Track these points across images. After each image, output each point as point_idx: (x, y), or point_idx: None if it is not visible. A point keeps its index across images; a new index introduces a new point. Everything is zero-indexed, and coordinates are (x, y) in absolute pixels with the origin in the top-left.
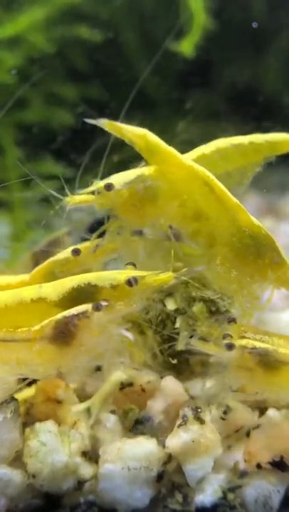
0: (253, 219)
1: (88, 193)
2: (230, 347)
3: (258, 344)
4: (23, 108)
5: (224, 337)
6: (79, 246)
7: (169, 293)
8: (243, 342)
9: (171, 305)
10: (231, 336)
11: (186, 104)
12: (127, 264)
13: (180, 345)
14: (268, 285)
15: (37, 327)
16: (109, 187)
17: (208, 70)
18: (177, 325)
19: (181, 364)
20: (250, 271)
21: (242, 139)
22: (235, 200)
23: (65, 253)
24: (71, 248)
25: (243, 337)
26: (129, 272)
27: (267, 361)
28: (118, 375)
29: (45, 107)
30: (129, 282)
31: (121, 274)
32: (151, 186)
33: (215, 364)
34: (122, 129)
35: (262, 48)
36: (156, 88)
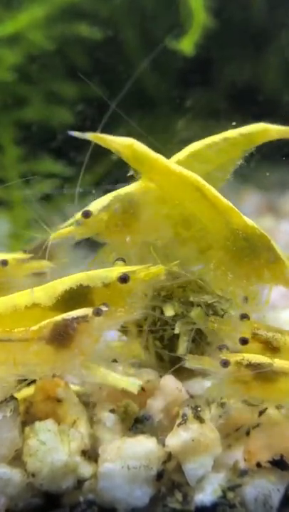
0: (247, 220)
1: (69, 225)
2: (225, 364)
3: (253, 359)
4: (22, 106)
5: (220, 348)
6: (7, 257)
7: (167, 298)
8: (238, 358)
9: (169, 311)
10: (227, 348)
11: (186, 102)
12: (117, 259)
13: (180, 350)
14: (266, 284)
15: (35, 327)
16: (87, 214)
17: (208, 68)
18: (176, 331)
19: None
20: (246, 272)
21: (215, 138)
22: (227, 202)
23: None
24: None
25: (256, 334)
26: (120, 269)
27: (263, 374)
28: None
29: (44, 105)
30: (122, 279)
31: (112, 272)
32: (132, 202)
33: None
34: (107, 141)
35: (262, 46)
36: (156, 86)
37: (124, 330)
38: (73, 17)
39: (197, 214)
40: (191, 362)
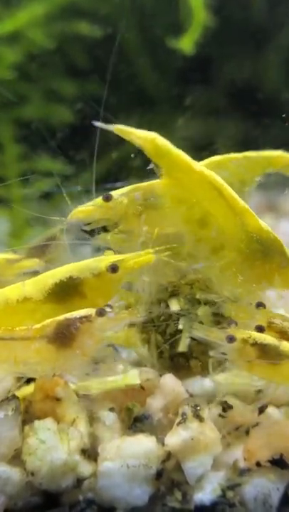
0: (262, 223)
1: (88, 206)
2: (231, 339)
3: (259, 338)
4: (22, 104)
5: (229, 324)
6: None
7: (173, 294)
8: (245, 335)
9: (174, 306)
10: (236, 324)
11: (186, 100)
12: (106, 249)
13: (182, 347)
14: (275, 289)
15: (38, 326)
16: (107, 197)
17: (208, 66)
18: (180, 326)
19: (181, 362)
20: (257, 275)
21: (236, 154)
22: (243, 204)
23: None
24: None
25: (271, 323)
26: (108, 258)
27: (268, 355)
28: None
29: (44, 103)
30: (111, 269)
31: (101, 262)
32: (153, 193)
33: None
34: (131, 134)
35: (261, 44)
36: (156, 85)
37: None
38: (73, 15)
39: (213, 213)
40: (197, 331)
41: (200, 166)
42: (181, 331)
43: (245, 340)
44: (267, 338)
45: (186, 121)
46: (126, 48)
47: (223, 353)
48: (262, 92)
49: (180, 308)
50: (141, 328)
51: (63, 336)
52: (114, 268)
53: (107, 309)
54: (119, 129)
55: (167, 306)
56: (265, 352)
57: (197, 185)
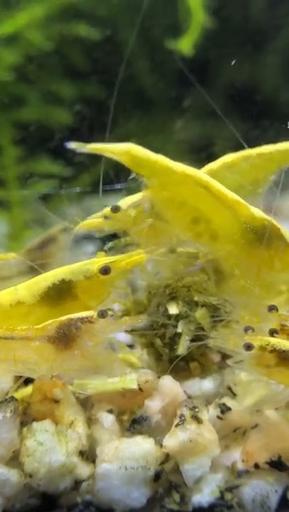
0: (255, 212)
1: (97, 218)
2: (249, 347)
3: (278, 345)
4: (21, 106)
5: (246, 330)
6: None
7: (172, 297)
8: (263, 342)
9: (173, 309)
10: (253, 330)
11: (184, 102)
12: (99, 251)
13: (181, 350)
14: (277, 274)
15: (39, 326)
16: (116, 209)
17: (207, 68)
18: (179, 329)
19: (180, 365)
20: (256, 264)
21: (250, 151)
22: (233, 196)
23: None
24: None
25: (284, 325)
26: (100, 260)
27: (287, 361)
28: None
29: (43, 105)
30: (104, 270)
31: (93, 264)
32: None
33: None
34: (105, 150)
35: (260, 46)
36: (155, 86)
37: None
38: (72, 17)
39: (204, 210)
40: (215, 341)
41: (181, 166)
42: (180, 334)
43: (263, 348)
44: (285, 344)
45: (184, 122)
46: (125, 49)
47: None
48: (260, 93)
49: (178, 311)
50: (140, 332)
51: (64, 336)
52: (106, 270)
53: (109, 311)
54: (92, 148)
55: (166, 309)
56: (284, 358)
57: (181, 185)
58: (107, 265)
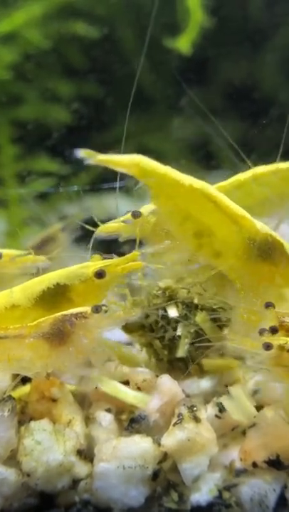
0: (259, 226)
1: (117, 222)
2: (268, 347)
3: None
4: (19, 104)
5: (261, 332)
6: (2, 251)
7: (171, 299)
8: (282, 342)
9: (173, 312)
10: (269, 331)
11: (182, 101)
12: (93, 254)
13: (181, 352)
14: (276, 288)
15: (33, 323)
16: (136, 214)
17: (205, 67)
18: (178, 332)
19: (180, 366)
20: (257, 278)
21: (281, 165)
22: (240, 211)
23: None
24: None
25: (282, 322)
26: (96, 264)
27: None
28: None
29: (41, 103)
30: (98, 274)
31: (88, 268)
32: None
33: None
34: (114, 163)
35: (259, 45)
36: (153, 85)
37: (125, 327)
38: (69, 15)
39: (209, 224)
40: (232, 342)
41: (189, 179)
42: (179, 337)
43: (281, 347)
44: None
45: (182, 121)
46: (123, 48)
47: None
48: (259, 92)
49: (178, 313)
50: (140, 333)
51: (59, 332)
52: (101, 274)
53: (103, 307)
54: (101, 160)
55: (165, 311)
56: None
57: (188, 199)
58: (102, 269)
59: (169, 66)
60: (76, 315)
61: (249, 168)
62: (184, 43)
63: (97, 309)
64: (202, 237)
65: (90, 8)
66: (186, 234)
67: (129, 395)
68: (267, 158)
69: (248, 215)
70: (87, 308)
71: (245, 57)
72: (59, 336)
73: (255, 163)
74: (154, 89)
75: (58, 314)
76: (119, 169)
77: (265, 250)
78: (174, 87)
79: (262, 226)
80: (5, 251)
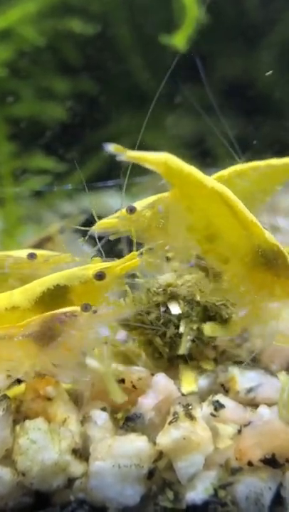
0: (268, 236)
1: (112, 218)
2: None
3: None
4: (14, 102)
5: None
6: (36, 251)
7: (172, 296)
8: None
9: (175, 309)
10: None
11: (178, 97)
12: (93, 257)
13: (182, 350)
14: (275, 299)
15: (23, 322)
16: (131, 210)
17: (201, 63)
18: (181, 329)
19: (180, 363)
20: (258, 286)
21: (259, 163)
22: (253, 218)
23: (20, 253)
24: (28, 251)
25: None
26: (96, 266)
27: None
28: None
29: (36, 101)
30: (98, 276)
31: (88, 270)
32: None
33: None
34: (143, 160)
35: (255, 41)
36: (148, 82)
37: (125, 324)
38: (64, 12)
39: (222, 228)
40: (278, 342)
41: (212, 181)
42: (181, 334)
43: None
44: None
45: (177, 118)
46: (118, 45)
47: None
48: (255, 89)
49: (181, 311)
50: (139, 330)
51: (48, 330)
52: (100, 275)
53: (93, 307)
54: (131, 156)
55: (167, 308)
56: None
57: (207, 200)
58: (101, 271)
59: (165, 63)
60: (65, 313)
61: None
62: (180, 40)
63: (86, 308)
64: (213, 240)
65: (85, 5)
66: (197, 234)
67: (113, 388)
68: (263, 155)
69: (258, 223)
70: (76, 308)
71: (241, 54)
72: (48, 334)
73: (251, 160)
74: (150, 86)
75: (47, 314)
76: (147, 166)
77: (270, 260)
78: (170, 83)
79: (270, 235)
80: (39, 252)
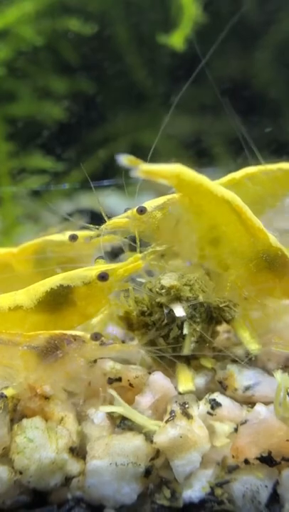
0: (273, 241)
1: (122, 218)
2: None
3: None
4: (12, 101)
5: None
6: (77, 232)
7: (176, 297)
8: None
9: (179, 312)
10: None
11: (174, 97)
12: (97, 258)
13: (186, 351)
14: (275, 298)
15: (32, 333)
16: (141, 210)
17: (197, 63)
18: (185, 331)
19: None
20: (259, 287)
21: (271, 166)
22: (259, 224)
23: (61, 236)
24: (69, 233)
25: None
26: (99, 267)
27: None
28: None
29: (34, 100)
30: (101, 277)
31: (91, 271)
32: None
33: None
34: (156, 174)
35: (251, 41)
36: (145, 81)
37: (129, 323)
38: (62, 12)
39: (229, 234)
40: (277, 347)
41: (221, 189)
42: (184, 336)
43: None
44: None
45: (173, 117)
46: (116, 44)
47: None
48: (251, 89)
49: (185, 314)
50: (142, 331)
51: (54, 347)
52: (104, 276)
53: (103, 338)
54: (144, 171)
55: (170, 310)
56: None
57: (217, 209)
58: (105, 272)
59: (162, 63)
60: (75, 337)
61: (241, 164)
62: (177, 40)
63: (96, 337)
64: (218, 245)
65: (82, 4)
66: (204, 239)
67: (144, 420)
68: (260, 155)
69: (264, 229)
70: (86, 334)
71: (238, 54)
72: (52, 352)
73: (247, 160)
74: (147, 85)
75: (58, 332)
76: (160, 180)
77: (274, 263)
78: (167, 83)
79: (274, 240)
80: (79, 232)
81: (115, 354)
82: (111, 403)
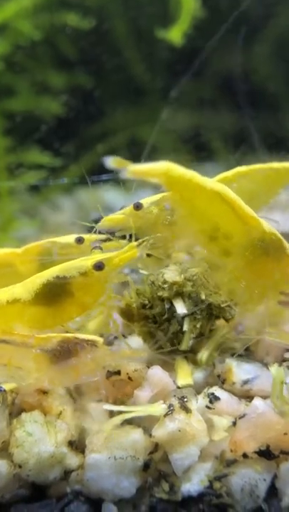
0: (266, 227)
1: (118, 215)
2: None
3: None
4: (10, 96)
5: None
6: (83, 235)
7: (178, 293)
8: None
9: (181, 309)
10: None
11: (173, 92)
12: (94, 248)
13: (184, 346)
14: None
15: (44, 335)
16: (138, 206)
17: (196, 57)
18: (185, 327)
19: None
20: (258, 275)
21: (262, 165)
22: (252, 212)
23: (67, 238)
24: (75, 235)
25: (283, 292)
26: (95, 257)
27: None
28: None
29: (32, 95)
30: (97, 267)
31: (87, 261)
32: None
33: None
34: (145, 173)
35: (250, 35)
36: (144, 76)
37: (129, 315)
38: (61, 6)
39: (224, 226)
40: (270, 335)
41: (211, 182)
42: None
43: None
44: None
45: (172, 112)
46: (114, 39)
47: None
48: (249, 83)
49: (186, 311)
50: (142, 323)
51: (67, 351)
52: (99, 266)
53: (115, 346)
54: (132, 172)
55: (171, 304)
56: None
57: (208, 202)
58: (100, 261)
59: (160, 57)
60: (88, 341)
61: (239, 159)
62: (176, 34)
63: (109, 342)
64: (215, 238)
65: None
66: (201, 234)
67: (146, 409)
68: (257, 149)
69: (257, 217)
70: (99, 339)
71: (236, 48)
72: (65, 355)
73: (245, 155)
74: (146, 79)
75: (70, 335)
76: (150, 180)
77: (269, 248)
78: (166, 77)
79: (267, 225)
80: (86, 236)
81: (125, 360)
82: (109, 398)
